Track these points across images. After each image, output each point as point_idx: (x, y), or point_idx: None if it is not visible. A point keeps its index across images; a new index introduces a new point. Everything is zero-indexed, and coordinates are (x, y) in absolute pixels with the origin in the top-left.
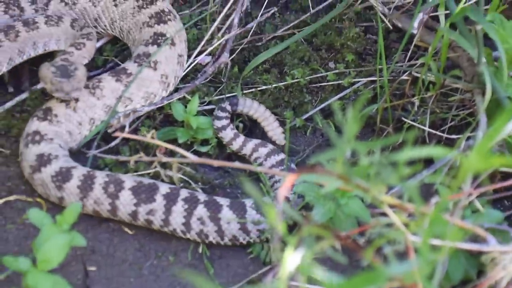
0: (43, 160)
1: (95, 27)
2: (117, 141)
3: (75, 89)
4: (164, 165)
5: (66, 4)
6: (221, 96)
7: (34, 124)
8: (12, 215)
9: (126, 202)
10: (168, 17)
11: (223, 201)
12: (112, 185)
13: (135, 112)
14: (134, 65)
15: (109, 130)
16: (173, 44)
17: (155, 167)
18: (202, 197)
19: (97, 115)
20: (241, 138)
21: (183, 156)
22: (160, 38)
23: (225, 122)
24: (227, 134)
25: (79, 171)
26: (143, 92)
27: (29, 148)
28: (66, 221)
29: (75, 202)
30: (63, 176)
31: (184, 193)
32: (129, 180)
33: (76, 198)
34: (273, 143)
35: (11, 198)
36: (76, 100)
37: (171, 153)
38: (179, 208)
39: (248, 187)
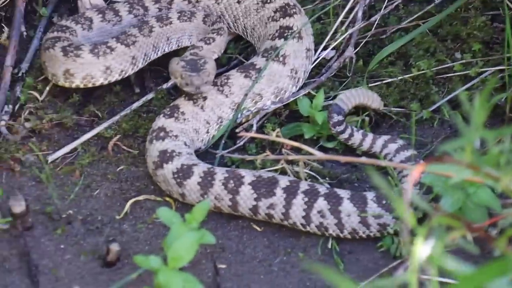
0: (165, 157)
1: None
2: (244, 140)
3: (204, 83)
4: (291, 162)
5: (190, 2)
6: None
7: (160, 121)
8: (141, 214)
9: (246, 197)
10: (294, 10)
11: (344, 194)
12: (232, 181)
13: (262, 110)
14: (262, 59)
15: (237, 130)
16: (300, 37)
17: (282, 164)
18: (322, 189)
19: (225, 113)
20: (370, 136)
21: (309, 153)
22: (286, 31)
23: (346, 128)
24: (356, 138)
25: (200, 168)
26: (273, 88)
27: (153, 144)
28: (195, 219)
29: (198, 199)
30: (184, 173)
31: (304, 185)
32: (248, 175)
33: (197, 194)
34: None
35: (141, 198)
36: (204, 98)
37: (297, 149)
38: (299, 201)
39: (376, 179)
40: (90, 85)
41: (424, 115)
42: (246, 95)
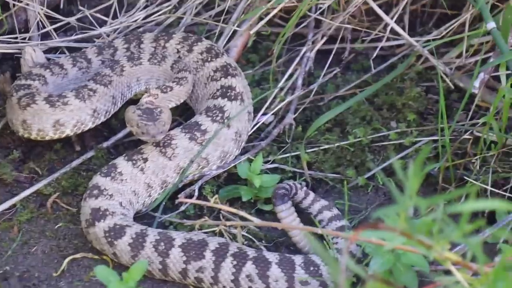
0: (98, 215)
1: None
2: (185, 206)
3: (160, 132)
4: (228, 221)
5: (130, 59)
6: (285, 155)
7: (95, 179)
8: (79, 272)
9: (176, 259)
10: (235, 72)
11: (272, 258)
12: (163, 243)
13: (203, 177)
14: (207, 119)
15: (178, 196)
16: (242, 100)
17: (220, 228)
18: (251, 252)
19: (170, 177)
20: (311, 197)
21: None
22: (229, 91)
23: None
24: (298, 196)
25: (132, 229)
26: (219, 151)
27: (87, 201)
28: (133, 278)
29: (130, 261)
30: (115, 232)
31: (233, 248)
32: (179, 237)
33: (128, 256)
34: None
35: (78, 255)
36: (145, 160)
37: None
38: (228, 265)
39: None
40: (80, 131)
41: (359, 181)
42: (193, 161)
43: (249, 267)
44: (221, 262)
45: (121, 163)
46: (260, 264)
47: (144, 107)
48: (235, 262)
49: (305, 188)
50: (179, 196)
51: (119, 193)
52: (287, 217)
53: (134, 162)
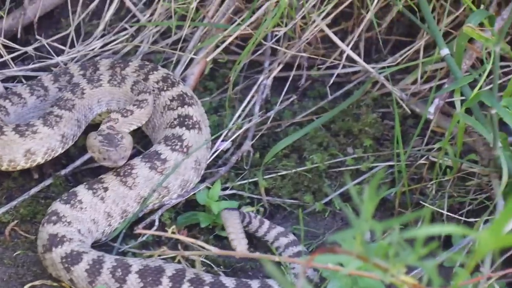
0: (55, 241)
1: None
2: (144, 237)
3: (122, 157)
4: (187, 248)
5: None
6: (243, 182)
7: (55, 205)
8: None
9: (133, 285)
10: (191, 100)
11: (229, 283)
12: (120, 269)
13: (162, 206)
14: (166, 148)
15: (137, 227)
16: (200, 128)
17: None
18: (208, 278)
19: (130, 207)
20: (266, 224)
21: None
22: (186, 120)
23: (244, 218)
24: (253, 225)
25: (89, 256)
26: (180, 180)
27: (44, 227)
28: None
29: (87, 287)
30: (72, 258)
31: (190, 274)
32: (136, 264)
33: (85, 282)
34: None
35: (37, 283)
36: (105, 189)
37: (193, 236)
38: None
39: (271, 268)
40: (50, 157)
41: (316, 207)
42: (154, 190)
43: None
44: None
45: (82, 191)
46: None
47: (105, 132)
48: None
49: (259, 216)
50: (137, 227)
51: (78, 221)
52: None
53: (94, 191)
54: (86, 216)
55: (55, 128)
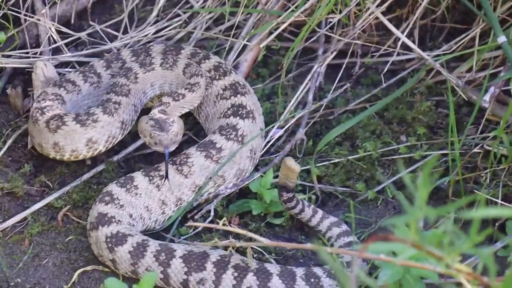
0: (103, 220)
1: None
2: (197, 230)
3: (173, 142)
4: (238, 236)
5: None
6: None
7: (110, 186)
8: (89, 284)
9: (177, 270)
10: (244, 89)
11: (274, 269)
12: (164, 254)
13: (218, 196)
14: (221, 137)
15: (188, 222)
16: (253, 118)
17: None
18: (253, 264)
19: (185, 195)
20: (319, 214)
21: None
22: (240, 109)
23: (297, 204)
24: (306, 213)
25: (134, 239)
26: (236, 169)
27: (96, 205)
28: None
29: (129, 268)
30: (117, 239)
31: (234, 260)
32: (180, 249)
33: (127, 263)
34: None
35: (89, 268)
36: (162, 177)
37: (246, 224)
38: (229, 276)
39: (325, 256)
40: (111, 145)
41: (369, 195)
42: (210, 178)
43: (250, 279)
44: (222, 274)
45: (138, 177)
46: (261, 275)
47: (157, 117)
48: (236, 274)
49: (312, 206)
50: (190, 219)
51: (131, 206)
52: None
53: (151, 178)
54: (140, 202)
55: (115, 115)
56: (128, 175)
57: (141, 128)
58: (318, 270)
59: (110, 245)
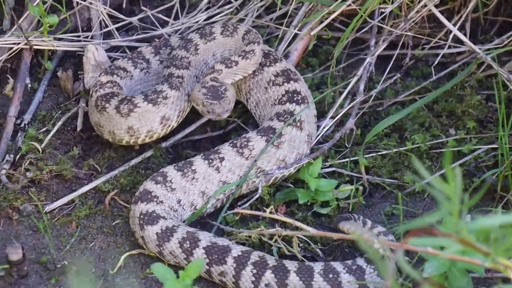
0: (144, 196)
1: None
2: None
3: (226, 110)
4: (284, 224)
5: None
6: (343, 160)
7: (168, 168)
8: (135, 269)
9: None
10: (296, 76)
11: (291, 266)
12: (188, 242)
13: (266, 176)
14: (280, 123)
15: (235, 208)
16: (307, 103)
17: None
18: (271, 261)
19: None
20: (368, 224)
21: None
22: (295, 95)
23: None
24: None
25: (165, 222)
26: (295, 154)
27: (146, 182)
28: (189, 276)
29: (155, 249)
30: (149, 218)
31: (254, 256)
32: (205, 240)
33: (153, 244)
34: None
35: (135, 252)
36: (221, 159)
37: (292, 213)
38: (248, 273)
39: (363, 243)
40: (182, 119)
41: (416, 187)
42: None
43: (268, 276)
44: (241, 270)
45: (197, 161)
46: (279, 272)
47: (209, 84)
48: (255, 271)
49: (362, 217)
50: (237, 205)
51: (183, 191)
52: (356, 229)
53: (210, 161)
54: (195, 188)
55: (181, 89)
56: (188, 159)
57: (193, 97)
58: (337, 265)
59: (141, 222)
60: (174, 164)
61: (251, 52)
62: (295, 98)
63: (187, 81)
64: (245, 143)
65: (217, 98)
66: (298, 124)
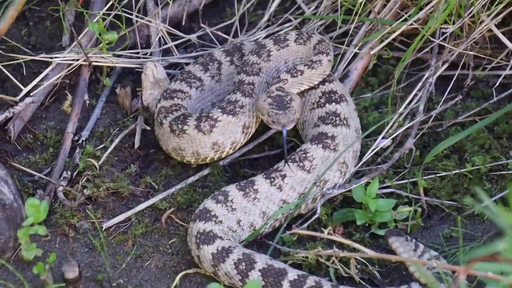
0: (203, 215)
1: None
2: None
3: (291, 121)
4: (342, 246)
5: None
6: (402, 181)
7: (230, 187)
8: None
9: None
10: (331, 77)
11: None
12: (244, 263)
13: (324, 196)
14: (327, 126)
15: (292, 229)
16: (345, 100)
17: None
18: (327, 286)
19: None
20: (421, 247)
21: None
22: (332, 95)
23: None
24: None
25: (221, 243)
26: (351, 152)
27: (207, 199)
28: None
29: (209, 269)
30: (206, 237)
31: (310, 281)
32: (261, 261)
33: (208, 264)
34: None
35: (191, 271)
36: (283, 176)
37: (350, 234)
38: None
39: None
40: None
41: (475, 210)
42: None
43: None
44: None
45: (259, 180)
46: None
47: (274, 94)
48: None
49: (414, 240)
50: (294, 227)
51: (244, 212)
52: (403, 251)
53: (272, 180)
54: (256, 208)
55: (253, 95)
56: (249, 179)
57: (259, 106)
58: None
59: (198, 241)
60: (237, 184)
61: (318, 62)
62: (333, 98)
63: (258, 88)
64: (303, 155)
65: (283, 108)
66: (345, 122)
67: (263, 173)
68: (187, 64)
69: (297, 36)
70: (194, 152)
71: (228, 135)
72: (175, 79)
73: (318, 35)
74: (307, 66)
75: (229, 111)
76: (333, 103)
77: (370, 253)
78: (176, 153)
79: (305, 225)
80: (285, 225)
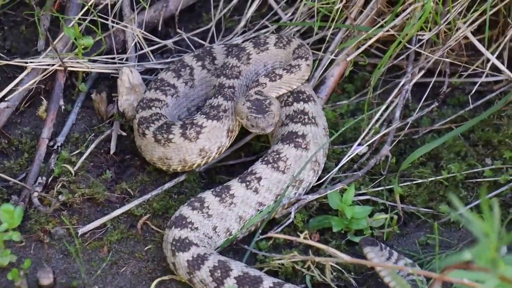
0: (180, 223)
1: None
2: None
3: (270, 125)
4: (318, 252)
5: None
6: (378, 188)
7: (206, 193)
8: None
9: None
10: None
11: None
12: (220, 271)
13: (298, 201)
14: (296, 125)
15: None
16: (313, 100)
17: (310, 262)
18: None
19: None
20: (395, 255)
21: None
22: (300, 95)
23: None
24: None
25: (197, 250)
26: (322, 151)
27: (183, 206)
28: None
29: (185, 276)
30: (181, 244)
31: None
32: (237, 269)
33: (184, 271)
34: None
35: (166, 278)
36: (259, 179)
37: (326, 241)
38: None
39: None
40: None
41: (451, 217)
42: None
43: None
44: None
45: (235, 184)
46: None
47: (253, 98)
48: None
49: (388, 248)
50: (270, 230)
51: (220, 218)
52: (379, 261)
53: (247, 183)
54: (233, 213)
55: (234, 99)
56: (225, 184)
57: (238, 110)
58: None
59: (173, 248)
60: (212, 190)
61: (297, 67)
62: (301, 97)
63: (238, 91)
64: (277, 156)
65: (262, 112)
66: (313, 120)
67: (238, 177)
68: (163, 69)
69: (277, 40)
70: (181, 160)
71: (214, 140)
72: (149, 87)
73: (298, 39)
74: (285, 71)
75: (213, 116)
76: (301, 102)
77: (346, 258)
78: (162, 162)
79: (280, 229)
80: (260, 230)
